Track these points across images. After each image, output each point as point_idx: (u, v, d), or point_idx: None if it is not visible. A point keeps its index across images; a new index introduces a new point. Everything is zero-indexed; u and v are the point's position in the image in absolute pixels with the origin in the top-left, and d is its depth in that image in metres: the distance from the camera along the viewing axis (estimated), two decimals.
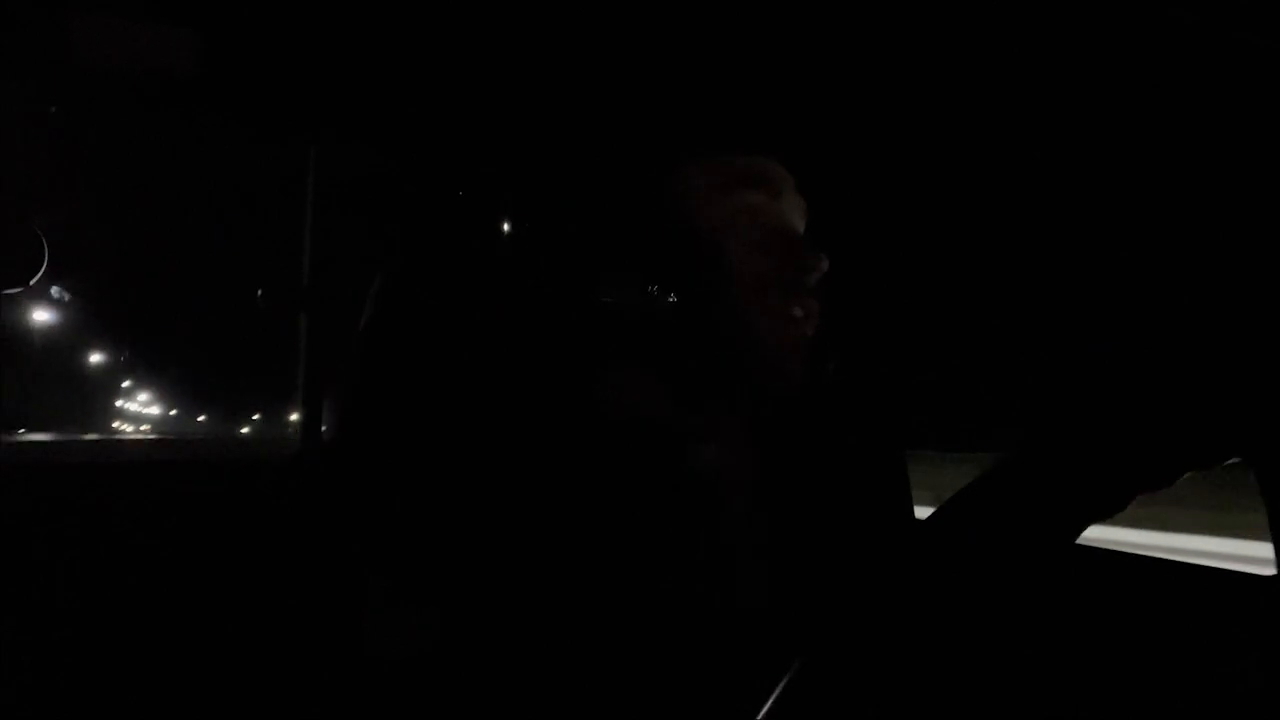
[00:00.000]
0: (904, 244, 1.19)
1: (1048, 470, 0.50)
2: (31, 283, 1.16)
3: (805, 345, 0.75)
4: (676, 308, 0.73)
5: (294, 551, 0.91)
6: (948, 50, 0.90)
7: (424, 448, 0.73)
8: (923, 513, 1.21)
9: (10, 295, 1.33)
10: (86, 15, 1.06)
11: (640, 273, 0.74)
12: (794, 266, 0.73)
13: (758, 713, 0.40)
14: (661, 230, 0.73)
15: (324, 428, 1.53)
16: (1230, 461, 0.49)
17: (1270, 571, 0.84)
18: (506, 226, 0.94)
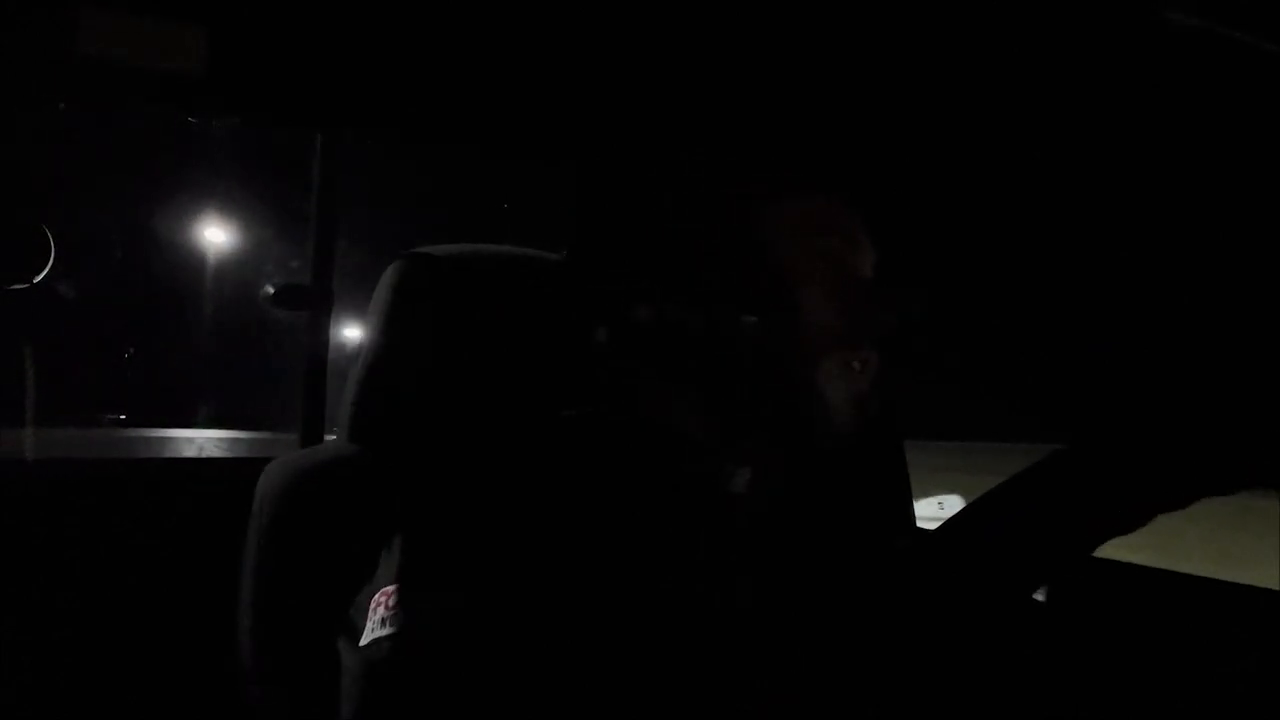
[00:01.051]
0: (904, 244, 1.07)
1: (1068, 484, 0.52)
2: (37, 280, 1.17)
3: (855, 397, 0.73)
4: (723, 329, 0.71)
5: (299, 549, 0.90)
6: (947, 50, 0.89)
7: (432, 445, 0.77)
8: (919, 507, 1.20)
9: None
10: (92, 11, 1.06)
11: (676, 286, 0.72)
12: (861, 321, 0.73)
13: (761, 712, 0.42)
14: (735, 256, 0.72)
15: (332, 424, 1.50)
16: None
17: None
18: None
